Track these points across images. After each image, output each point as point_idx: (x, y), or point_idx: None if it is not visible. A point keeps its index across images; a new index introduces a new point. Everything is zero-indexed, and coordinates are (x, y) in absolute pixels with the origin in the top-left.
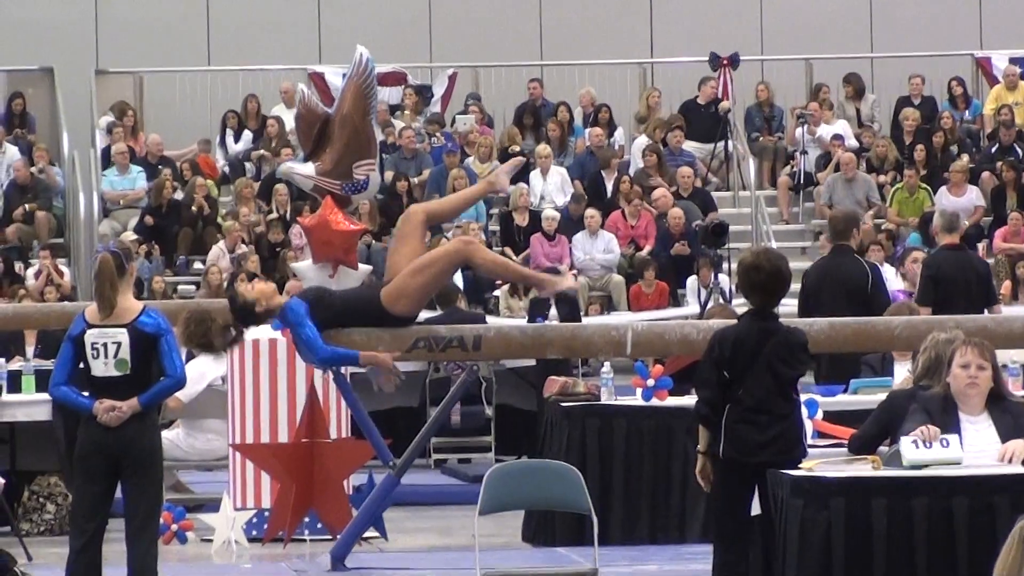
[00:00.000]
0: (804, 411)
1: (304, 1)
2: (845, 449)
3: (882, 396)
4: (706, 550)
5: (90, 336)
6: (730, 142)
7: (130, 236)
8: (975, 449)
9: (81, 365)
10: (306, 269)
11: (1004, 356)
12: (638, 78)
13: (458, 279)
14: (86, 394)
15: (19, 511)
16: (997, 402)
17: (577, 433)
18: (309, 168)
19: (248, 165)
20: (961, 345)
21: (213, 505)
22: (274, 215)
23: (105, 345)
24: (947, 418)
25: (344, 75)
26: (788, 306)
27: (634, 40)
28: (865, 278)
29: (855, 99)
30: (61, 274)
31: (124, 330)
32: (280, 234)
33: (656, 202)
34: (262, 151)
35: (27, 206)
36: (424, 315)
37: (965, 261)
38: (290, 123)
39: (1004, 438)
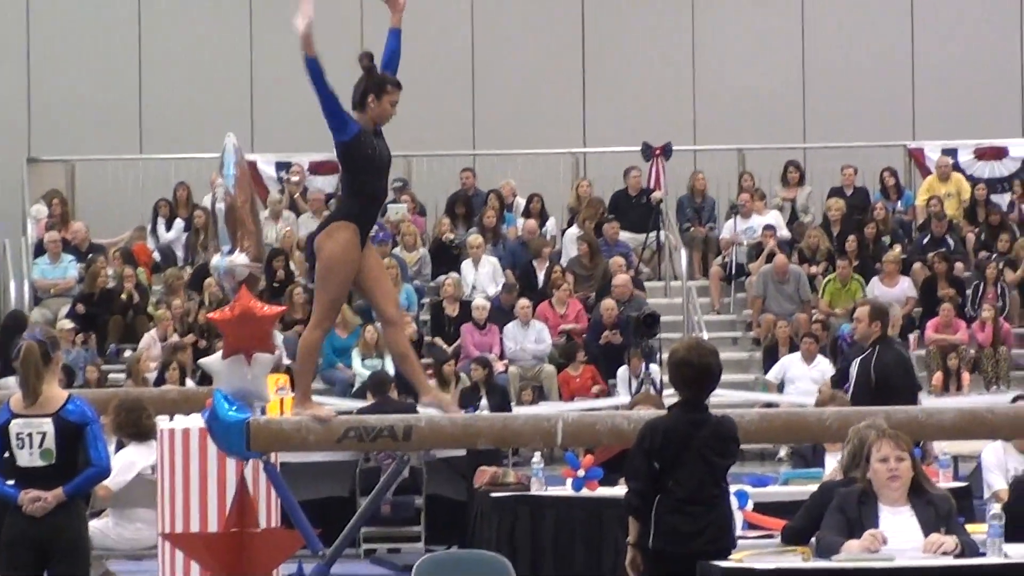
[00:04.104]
0: (735, 502)
1: (236, 89)
2: (776, 540)
3: (812, 487)
4: None
5: (15, 426)
6: (662, 232)
7: (67, 324)
8: (896, 539)
9: (6, 455)
10: (216, 364)
11: (935, 448)
12: (571, 167)
13: (390, 369)
14: (11, 483)
15: None
16: (919, 493)
17: (507, 523)
18: (243, 257)
19: (179, 254)
20: (876, 439)
21: None
22: (206, 305)
23: (30, 435)
24: (866, 511)
25: (231, 163)
26: None
27: (567, 129)
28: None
29: (797, 186)
30: None
31: (49, 420)
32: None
33: (616, 289)
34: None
35: None
36: (355, 405)
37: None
38: None
39: (925, 529)
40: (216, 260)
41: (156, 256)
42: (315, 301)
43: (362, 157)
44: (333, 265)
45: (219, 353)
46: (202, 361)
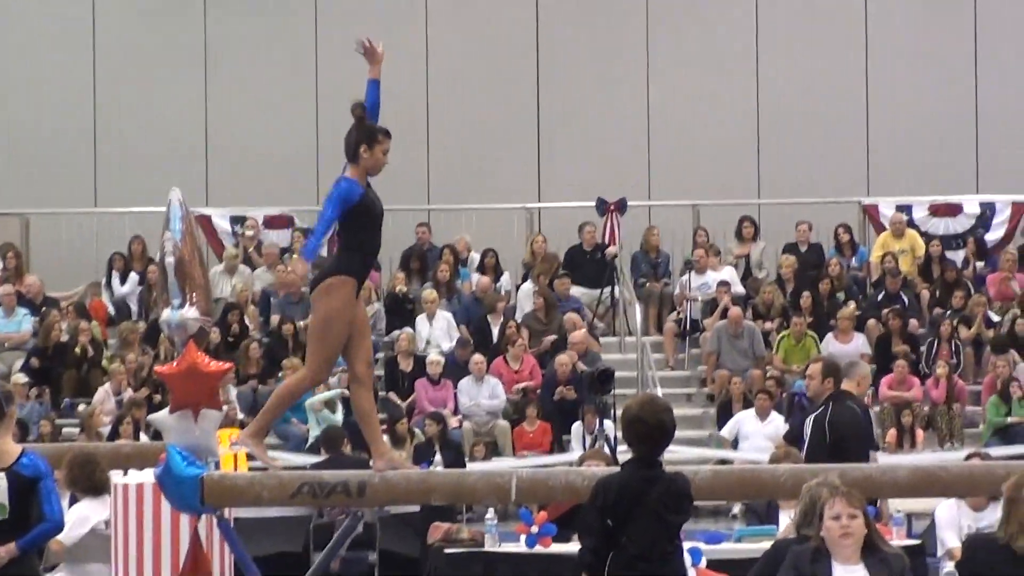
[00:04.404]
0: (688, 559)
1: (190, 143)
2: None
3: (766, 544)
4: None
5: None
6: (617, 287)
7: (21, 378)
8: None
9: None
10: (165, 419)
11: (889, 505)
12: (526, 223)
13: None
14: None
15: None
16: (872, 551)
17: None
18: (194, 311)
19: (134, 308)
20: (830, 496)
21: None
22: (161, 359)
23: None
24: (819, 568)
25: (177, 217)
26: None
27: (522, 184)
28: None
29: (752, 241)
30: None
31: (3, 474)
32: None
33: (576, 345)
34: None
35: None
36: (309, 460)
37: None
38: None
39: None
40: (167, 314)
41: (111, 310)
42: (309, 356)
43: (362, 214)
44: (330, 321)
45: (167, 408)
46: (151, 417)
